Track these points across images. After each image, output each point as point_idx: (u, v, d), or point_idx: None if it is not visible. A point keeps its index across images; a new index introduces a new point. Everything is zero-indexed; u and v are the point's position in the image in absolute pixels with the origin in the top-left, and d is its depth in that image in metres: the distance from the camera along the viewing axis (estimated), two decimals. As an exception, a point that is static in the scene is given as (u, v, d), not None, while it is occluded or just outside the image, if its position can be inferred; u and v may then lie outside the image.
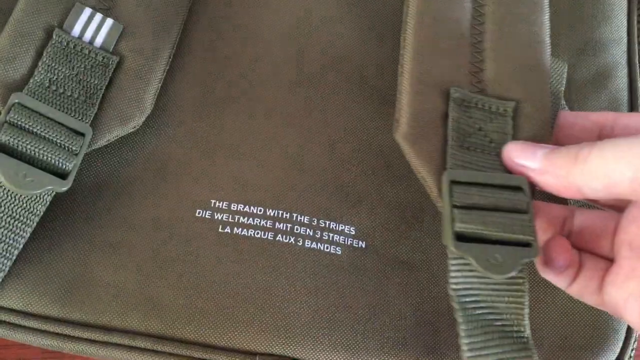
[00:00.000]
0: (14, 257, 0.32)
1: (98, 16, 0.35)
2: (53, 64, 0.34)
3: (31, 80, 0.33)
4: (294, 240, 0.35)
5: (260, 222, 0.35)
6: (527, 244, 0.30)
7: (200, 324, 0.33)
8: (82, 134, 0.33)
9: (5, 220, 0.31)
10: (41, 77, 0.33)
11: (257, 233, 0.35)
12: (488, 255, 0.29)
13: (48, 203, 0.32)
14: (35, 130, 0.32)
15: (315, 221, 0.35)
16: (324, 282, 0.34)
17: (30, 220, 0.32)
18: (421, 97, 0.33)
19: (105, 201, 0.35)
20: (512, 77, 0.34)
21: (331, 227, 0.35)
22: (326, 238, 0.35)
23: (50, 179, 0.31)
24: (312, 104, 0.38)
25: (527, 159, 0.30)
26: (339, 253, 0.35)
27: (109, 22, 0.35)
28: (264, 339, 0.33)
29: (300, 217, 0.35)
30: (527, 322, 0.30)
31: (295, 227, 0.35)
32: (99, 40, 0.35)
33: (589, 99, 0.40)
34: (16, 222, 0.31)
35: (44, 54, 0.34)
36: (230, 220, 0.35)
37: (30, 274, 0.33)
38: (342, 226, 0.36)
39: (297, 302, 0.34)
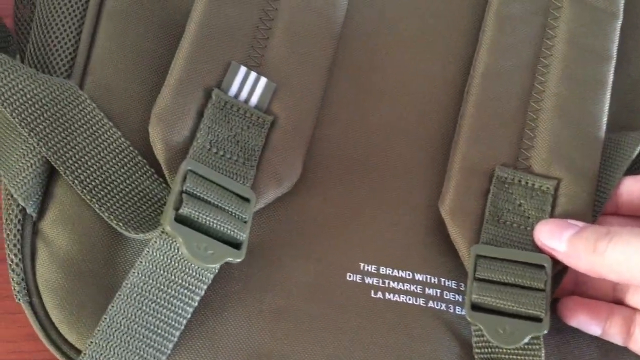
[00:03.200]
0: (182, 327, 0.31)
1: (252, 75, 0.35)
2: (213, 125, 0.33)
3: (194, 144, 0.33)
4: (445, 307, 0.35)
5: (410, 288, 0.35)
6: (539, 319, 0.32)
7: None
8: (247, 199, 0.32)
9: (177, 289, 0.31)
10: (203, 139, 0.33)
11: (409, 299, 0.35)
12: (498, 325, 0.32)
13: (217, 271, 0.31)
14: (210, 199, 0.31)
15: (462, 286, 0.35)
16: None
17: (200, 289, 0.31)
18: (467, 176, 0.35)
19: (259, 265, 0.34)
20: (560, 156, 0.35)
21: None
22: None
23: (228, 251, 0.31)
24: (441, 162, 0.38)
25: (553, 241, 0.32)
26: None
27: (263, 80, 0.35)
28: None
29: (448, 282, 0.35)
30: None
31: (444, 292, 0.35)
32: (253, 100, 0.35)
33: None
34: (186, 290, 0.31)
35: (205, 115, 0.33)
36: (381, 284, 0.35)
37: (196, 344, 0.32)
38: None
39: None
